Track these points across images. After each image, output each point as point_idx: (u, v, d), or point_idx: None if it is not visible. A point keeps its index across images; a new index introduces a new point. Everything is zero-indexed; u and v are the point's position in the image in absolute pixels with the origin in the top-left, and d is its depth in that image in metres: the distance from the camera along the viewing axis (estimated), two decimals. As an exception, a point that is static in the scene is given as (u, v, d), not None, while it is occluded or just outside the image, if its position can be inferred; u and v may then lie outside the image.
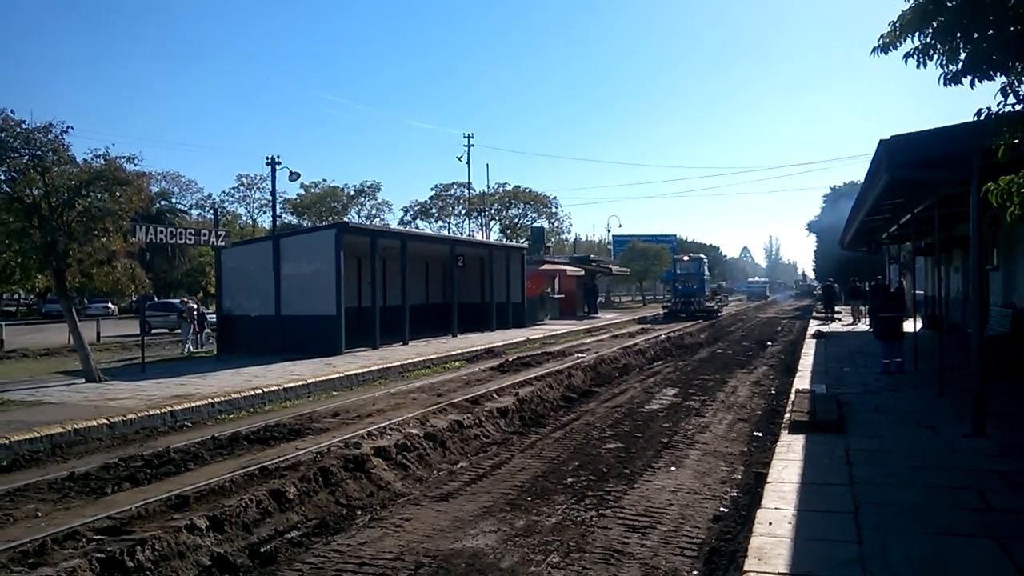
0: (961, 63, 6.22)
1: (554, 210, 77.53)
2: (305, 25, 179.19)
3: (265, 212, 70.45)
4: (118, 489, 8.63)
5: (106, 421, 12.11)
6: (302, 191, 73.64)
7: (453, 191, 74.95)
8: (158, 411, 13.03)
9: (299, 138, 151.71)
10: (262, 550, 6.78)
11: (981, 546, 5.66)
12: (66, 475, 9.13)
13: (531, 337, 29.80)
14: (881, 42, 6.63)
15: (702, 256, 53.83)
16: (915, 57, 6.46)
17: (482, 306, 35.00)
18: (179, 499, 7.86)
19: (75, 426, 11.63)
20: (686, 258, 51.84)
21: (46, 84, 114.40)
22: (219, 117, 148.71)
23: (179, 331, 26.96)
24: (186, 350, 25.43)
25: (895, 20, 6.55)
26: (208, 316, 28.91)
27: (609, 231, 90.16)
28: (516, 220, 75.50)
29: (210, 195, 73.34)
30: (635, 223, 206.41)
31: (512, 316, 35.55)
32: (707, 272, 52.24)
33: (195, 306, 28.20)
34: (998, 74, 6.16)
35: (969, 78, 6.23)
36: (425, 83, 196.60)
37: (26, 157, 15.93)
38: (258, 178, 70.95)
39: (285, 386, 15.87)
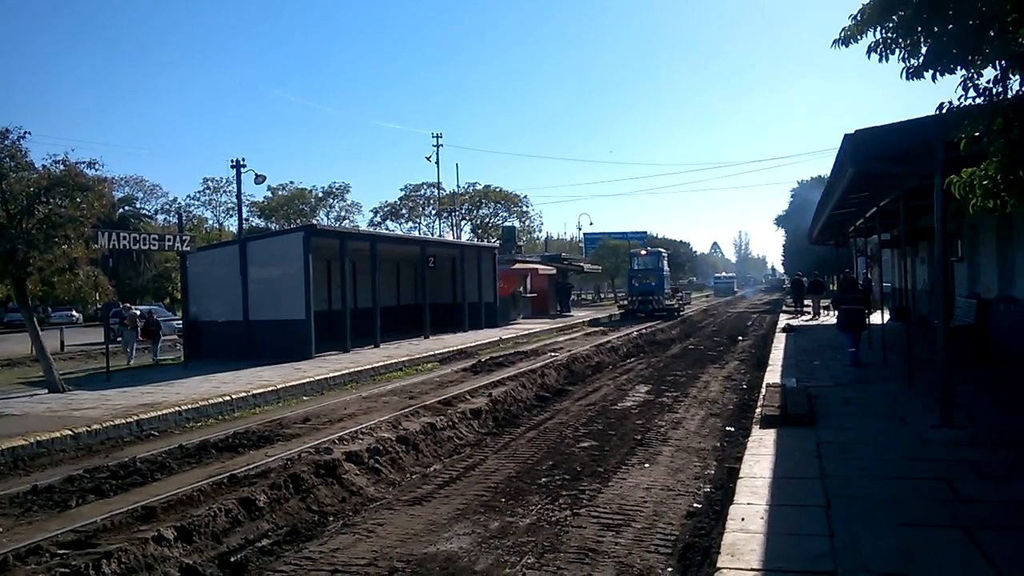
0: (923, 57, 6.25)
1: (525, 209, 77.56)
2: (269, 28, 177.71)
3: (232, 216, 69.56)
4: (83, 502, 8.45)
5: (70, 432, 11.85)
6: (269, 194, 72.88)
7: (423, 191, 74.66)
8: (123, 420, 12.77)
9: (266, 141, 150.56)
10: (232, 560, 6.68)
11: (951, 536, 5.70)
12: (28, 488, 8.92)
13: (504, 337, 29.78)
14: (842, 35, 6.67)
15: (661, 250, 48.69)
16: (877, 51, 6.49)
17: (454, 306, 34.88)
18: (146, 510, 7.70)
19: (37, 438, 11.36)
20: (643, 252, 46.81)
21: (5, 91, 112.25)
22: (184, 121, 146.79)
23: (141, 340, 25.12)
24: (129, 361, 23.62)
25: (856, 13, 6.58)
26: (173, 323, 28.28)
27: (580, 229, 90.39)
28: (487, 219, 75.35)
29: (175, 199, 72.19)
30: (606, 221, 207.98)
31: (484, 316, 35.47)
32: (667, 267, 46.86)
33: (137, 312, 26.34)
34: (959, 68, 6.21)
35: (931, 72, 6.27)
36: (392, 84, 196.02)
37: (-18, 164, 15.60)
38: (224, 181, 69.99)
39: (254, 392, 15.67)
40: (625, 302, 45.90)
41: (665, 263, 45.78)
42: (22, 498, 8.63)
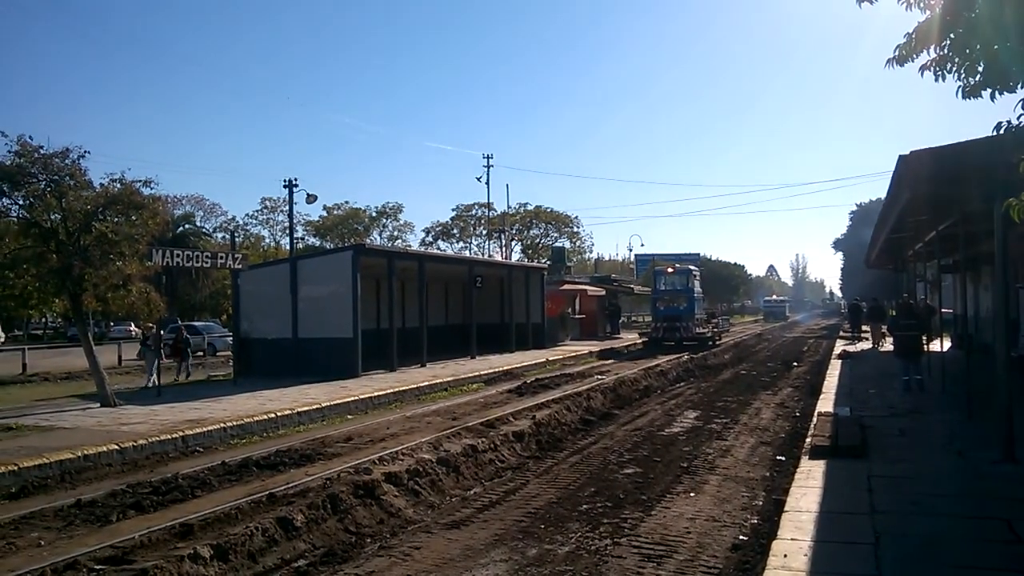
0: (979, 76, 6.00)
1: (576, 230, 77.62)
2: (324, 50, 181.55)
3: (288, 234, 70.93)
4: (123, 517, 8.54)
5: (116, 447, 12.05)
6: (325, 213, 74.21)
7: (474, 211, 75.17)
8: (169, 436, 12.97)
9: (321, 161, 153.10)
10: (266, 581, 6.65)
11: (1009, 581, 5.39)
12: (72, 502, 9.06)
13: (551, 358, 29.60)
14: (897, 53, 6.44)
15: (692, 267, 41.47)
16: (931, 70, 6.25)
17: (502, 327, 34.82)
18: (184, 527, 7.75)
19: (85, 452, 11.57)
20: (670, 269, 40.46)
21: (69, 110, 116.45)
22: (243, 141, 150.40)
23: (167, 360, 23.83)
24: (151, 382, 21.54)
25: (911, 32, 6.36)
26: (227, 339, 28.43)
27: (631, 250, 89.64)
28: (537, 240, 75.52)
29: (234, 218, 74.01)
30: (659, 242, 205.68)
31: (532, 337, 35.31)
32: (699, 287, 40.21)
33: (161, 332, 23.28)
34: (1019, 86, 5.94)
35: (989, 91, 6.01)
36: (443, 105, 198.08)
37: (43, 182, 16.06)
38: (281, 201, 71.32)
39: (299, 410, 15.78)
40: (648, 329, 39.84)
41: (697, 283, 39.59)
42: (66, 511, 8.75)
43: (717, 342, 38.90)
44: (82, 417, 15.48)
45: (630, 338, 44.88)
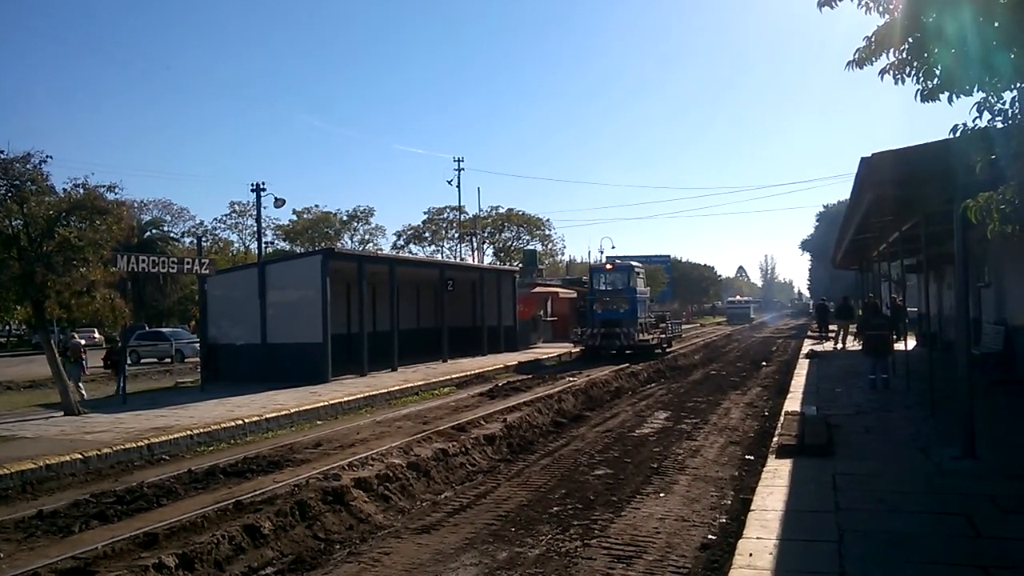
0: (937, 79, 6.09)
1: (547, 232, 77.49)
2: (294, 53, 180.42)
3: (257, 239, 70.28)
4: (86, 527, 8.40)
5: (80, 456, 11.86)
6: (295, 217, 73.62)
7: (446, 215, 74.91)
8: (135, 444, 12.78)
9: (291, 165, 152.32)
10: (232, 589, 6.57)
11: (968, 576, 5.47)
12: (34, 513, 8.90)
13: (523, 361, 29.58)
14: (856, 56, 6.51)
15: (634, 264, 35.00)
16: (891, 73, 6.33)
17: (473, 330, 34.79)
18: (148, 537, 7.64)
19: (47, 461, 11.37)
20: (609, 266, 35.30)
21: (33, 116, 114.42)
22: (211, 145, 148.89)
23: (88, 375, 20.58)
24: (73, 399, 17.53)
25: (870, 36, 6.44)
26: (195, 345, 28.03)
27: (602, 252, 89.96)
28: (509, 243, 75.39)
29: (202, 223, 73.21)
30: (630, 244, 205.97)
31: (504, 340, 35.29)
32: (643, 286, 34.43)
33: (82, 342, 20.68)
34: (975, 90, 6.04)
35: (946, 94, 6.10)
36: (414, 108, 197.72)
37: (4, 188, 15.80)
38: (250, 205, 70.60)
39: (268, 416, 15.63)
40: (583, 334, 32.40)
41: (640, 282, 33.64)
42: (27, 523, 8.60)
43: (666, 350, 33.93)
44: (45, 426, 15.23)
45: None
